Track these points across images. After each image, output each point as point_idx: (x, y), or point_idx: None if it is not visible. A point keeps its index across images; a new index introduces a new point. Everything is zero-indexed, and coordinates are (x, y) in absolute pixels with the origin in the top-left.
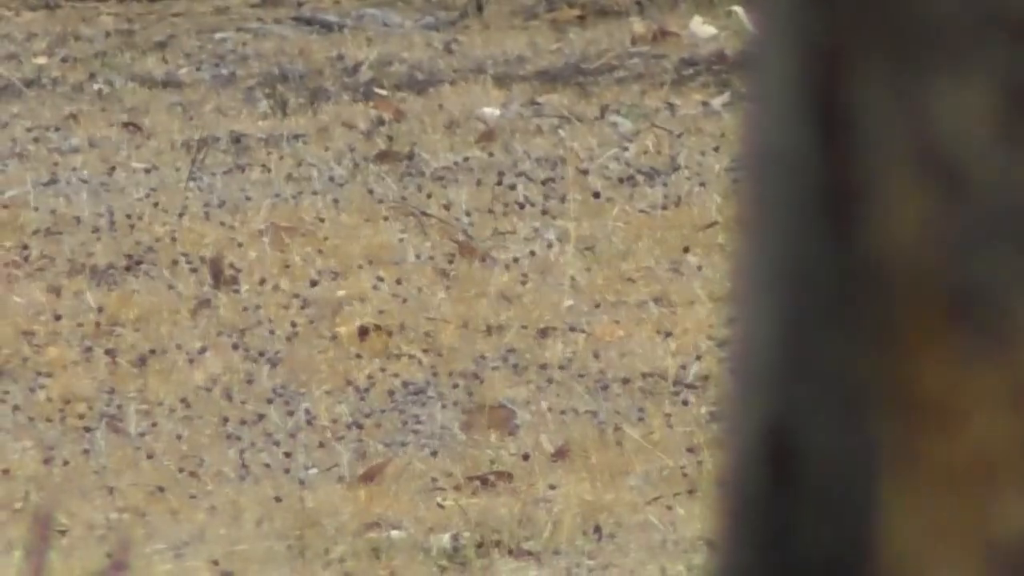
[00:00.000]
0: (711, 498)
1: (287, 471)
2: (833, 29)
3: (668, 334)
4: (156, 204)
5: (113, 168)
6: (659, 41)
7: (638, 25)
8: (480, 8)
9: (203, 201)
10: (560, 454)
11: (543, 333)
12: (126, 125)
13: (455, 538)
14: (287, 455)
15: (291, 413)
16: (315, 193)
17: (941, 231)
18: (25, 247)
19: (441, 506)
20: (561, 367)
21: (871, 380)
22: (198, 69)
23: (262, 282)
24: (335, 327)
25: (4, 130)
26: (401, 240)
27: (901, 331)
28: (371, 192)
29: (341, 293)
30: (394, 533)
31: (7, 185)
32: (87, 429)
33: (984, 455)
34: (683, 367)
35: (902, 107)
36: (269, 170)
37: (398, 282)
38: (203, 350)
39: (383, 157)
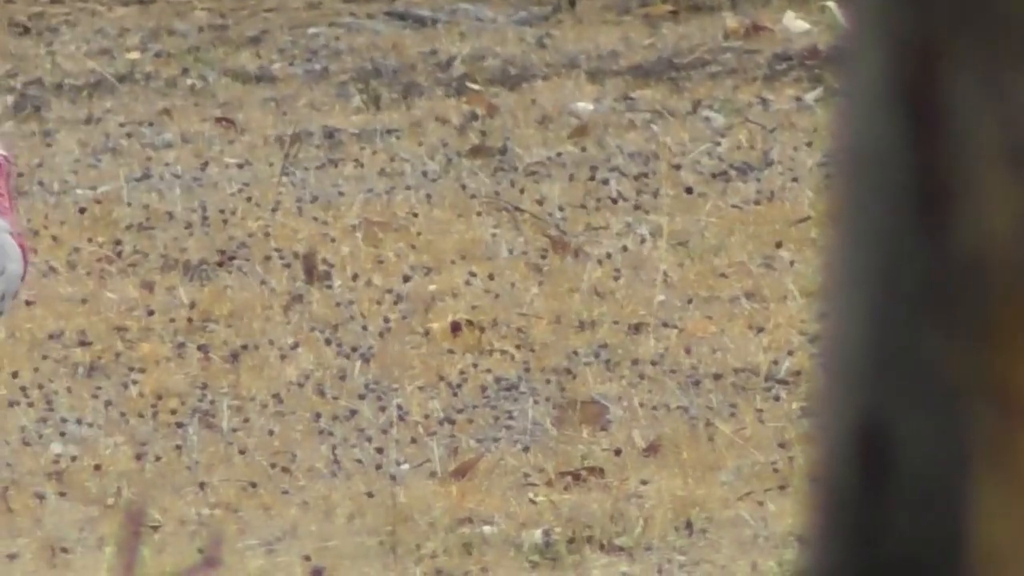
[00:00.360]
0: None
1: (379, 467)
2: (926, 26)
3: (760, 329)
4: (249, 199)
5: (206, 163)
6: (752, 36)
7: (731, 20)
8: (573, 3)
9: (296, 196)
10: (652, 449)
11: (635, 328)
12: (219, 120)
13: (547, 534)
14: (379, 451)
15: (383, 409)
16: (408, 188)
17: None
18: (118, 242)
19: (533, 502)
20: (653, 362)
21: (965, 376)
22: (291, 64)
23: (355, 277)
24: (428, 322)
25: (97, 125)
26: (494, 235)
27: (996, 326)
28: (464, 187)
29: (434, 288)
30: (486, 529)
31: (100, 180)
32: (179, 425)
33: None
34: (775, 362)
35: (995, 103)
36: (362, 165)
37: (491, 277)
38: (295, 345)
39: (476, 152)
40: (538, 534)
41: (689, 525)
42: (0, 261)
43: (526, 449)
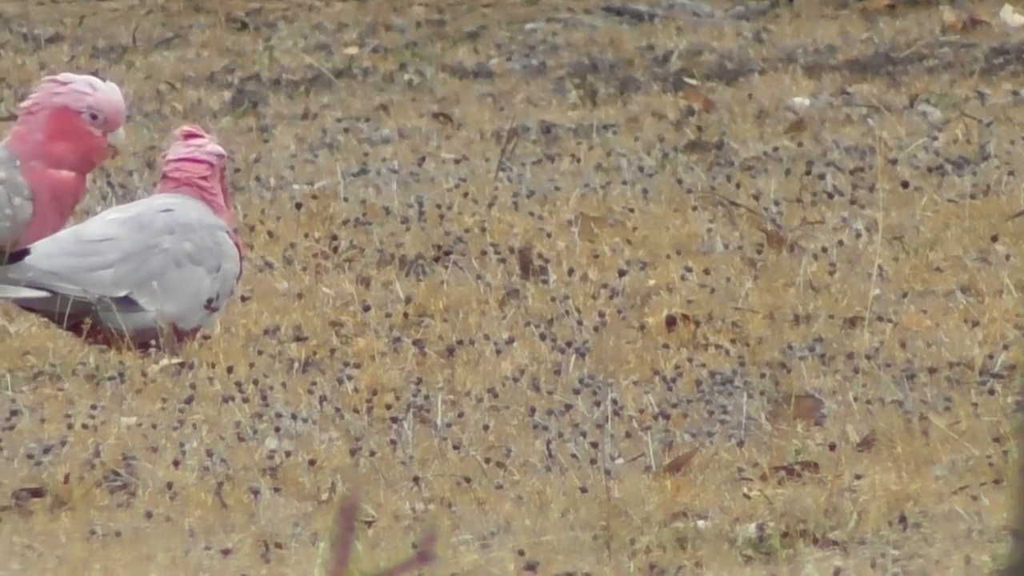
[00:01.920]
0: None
1: (593, 461)
2: None
3: (975, 323)
4: (465, 194)
5: (423, 158)
6: (969, 30)
7: (948, 14)
8: None
9: (512, 191)
10: (866, 444)
11: (850, 323)
12: (436, 115)
13: (760, 528)
14: (594, 445)
15: (598, 403)
16: (624, 183)
17: None
18: (334, 237)
19: (747, 496)
20: (868, 357)
21: None
22: (508, 59)
23: (570, 272)
24: (643, 317)
25: (315, 120)
26: (709, 230)
27: None
28: (680, 182)
29: (649, 283)
30: (700, 523)
31: (317, 175)
32: (394, 420)
33: None
34: (990, 356)
35: None
36: (578, 160)
37: (706, 272)
38: (511, 340)
39: (692, 147)
40: (752, 528)
41: (903, 519)
42: (216, 259)
43: (740, 443)
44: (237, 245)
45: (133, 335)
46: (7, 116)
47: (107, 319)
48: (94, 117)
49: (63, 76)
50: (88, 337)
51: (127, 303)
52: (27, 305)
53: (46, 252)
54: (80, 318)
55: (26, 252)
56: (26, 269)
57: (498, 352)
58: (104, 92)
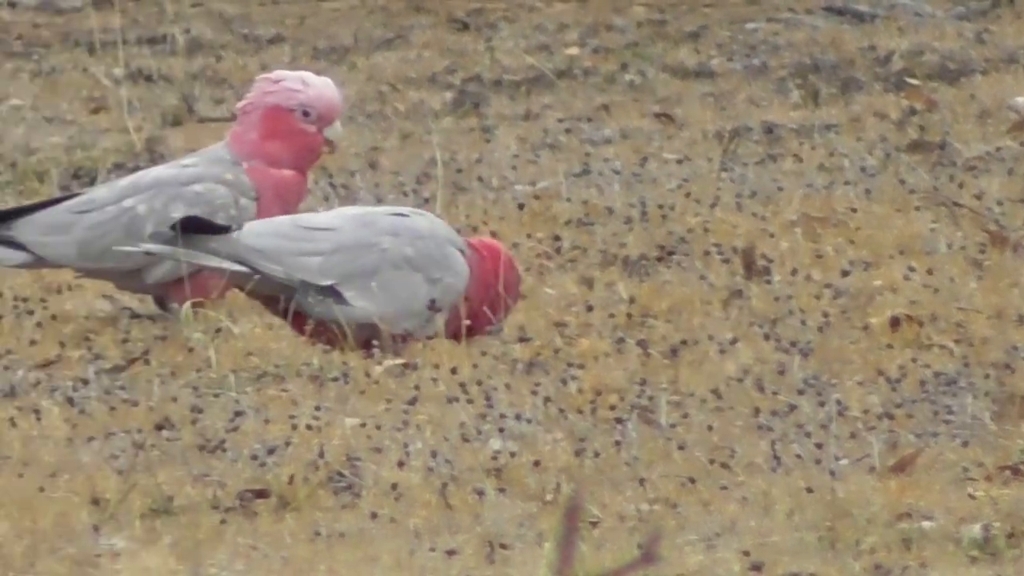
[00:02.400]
0: None
1: (818, 462)
2: None
3: None
4: (688, 195)
5: (645, 159)
6: None
7: None
8: None
9: (735, 191)
10: None
11: None
12: (658, 116)
13: (986, 528)
14: (818, 446)
15: (822, 404)
16: (847, 183)
17: None
18: (557, 238)
19: (972, 496)
20: None
21: None
22: (730, 59)
23: (794, 272)
24: (867, 317)
25: (536, 121)
26: (932, 230)
27: None
28: (903, 182)
29: (873, 283)
30: (925, 524)
31: (539, 176)
32: (618, 420)
33: None
34: None
35: None
36: (801, 160)
37: (929, 272)
38: (734, 341)
39: (915, 147)
40: (977, 529)
41: None
42: (439, 271)
43: (965, 444)
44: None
45: (343, 329)
46: (228, 117)
47: (308, 307)
48: (306, 114)
49: (276, 74)
50: (311, 336)
51: (333, 294)
52: (234, 281)
53: (257, 231)
54: (283, 303)
55: (227, 228)
56: (232, 243)
57: (722, 352)
58: (317, 88)
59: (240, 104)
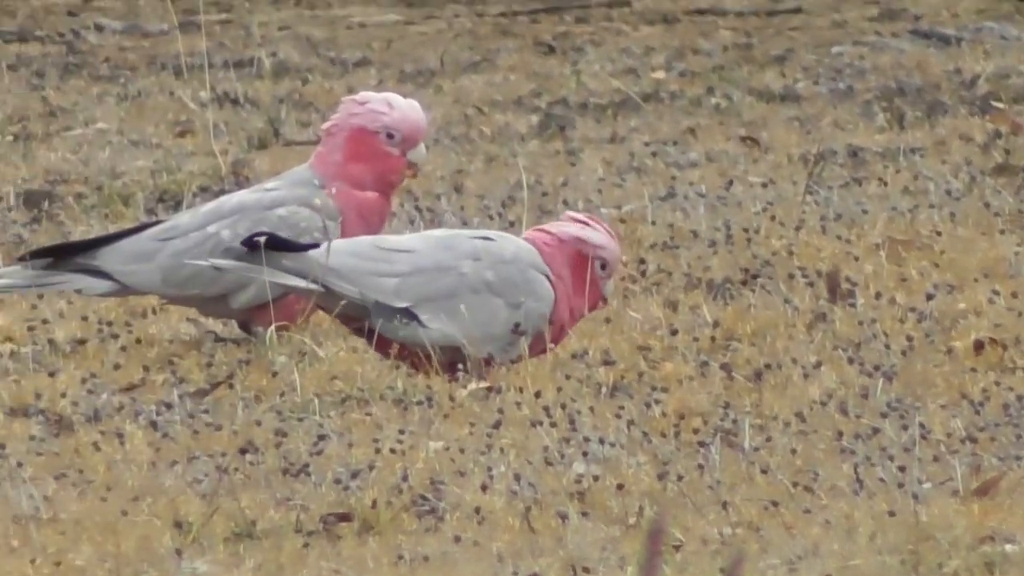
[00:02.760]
0: None
1: (901, 485)
2: None
3: None
4: (773, 218)
5: (730, 182)
6: None
7: None
8: None
9: (820, 215)
10: None
11: None
12: (744, 139)
13: None
14: (901, 469)
15: (906, 427)
16: (931, 206)
17: None
18: (642, 261)
19: None
20: None
21: None
22: (815, 83)
23: (878, 296)
24: (950, 340)
25: (622, 144)
26: (1017, 253)
27: None
28: (987, 205)
29: (958, 307)
30: (1008, 547)
31: (625, 199)
32: (702, 444)
33: None
34: None
35: None
36: (886, 184)
37: (1013, 295)
38: (818, 364)
39: (1000, 170)
40: None
41: None
42: (520, 295)
43: None
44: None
45: (426, 350)
46: (314, 140)
47: (387, 329)
48: (391, 136)
49: (361, 95)
50: (396, 358)
51: (409, 316)
52: (320, 303)
53: (334, 249)
54: (359, 322)
55: (313, 246)
56: (306, 261)
57: (806, 376)
58: (402, 110)
59: (325, 125)
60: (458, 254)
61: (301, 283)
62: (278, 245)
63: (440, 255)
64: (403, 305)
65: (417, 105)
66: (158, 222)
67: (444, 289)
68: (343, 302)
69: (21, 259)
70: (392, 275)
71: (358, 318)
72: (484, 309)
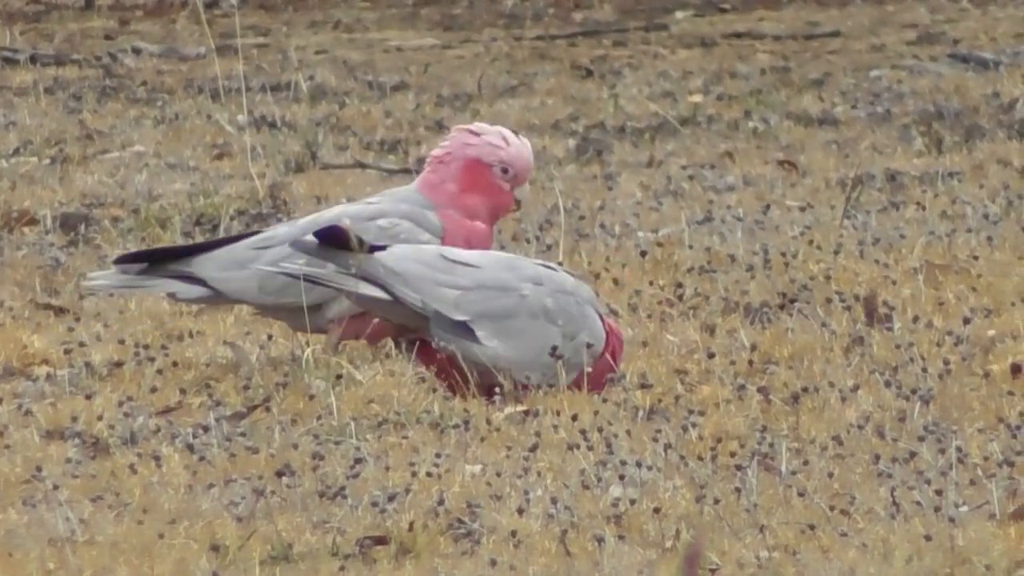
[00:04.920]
0: None
1: (937, 509)
2: None
3: None
4: (811, 242)
5: (768, 206)
6: None
7: None
8: None
9: (857, 239)
10: None
11: None
12: (781, 163)
13: None
14: (938, 493)
15: (943, 451)
16: (969, 231)
17: None
18: (679, 285)
19: None
20: None
21: None
22: (853, 107)
23: (915, 320)
24: (987, 364)
25: (659, 168)
26: None
27: None
28: None
29: (994, 332)
30: None
31: (662, 223)
32: (739, 467)
33: None
34: None
35: None
36: (923, 208)
37: None
38: (855, 388)
39: None
40: None
41: None
42: (575, 328)
43: None
44: (615, 337)
45: (470, 367)
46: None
47: (441, 339)
48: (504, 171)
49: (476, 126)
50: (436, 375)
51: (465, 330)
52: (370, 311)
53: (400, 254)
54: (417, 334)
55: (380, 248)
56: (374, 263)
57: (843, 399)
58: (516, 147)
59: (435, 152)
60: (520, 276)
61: (364, 287)
62: (343, 243)
63: (503, 275)
64: (462, 318)
65: (528, 144)
66: (254, 232)
67: (503, 309)
68: (388, 301)
69: (117, 262)
70: (454, 287)
71: (414, 330)
72: (540, 335)
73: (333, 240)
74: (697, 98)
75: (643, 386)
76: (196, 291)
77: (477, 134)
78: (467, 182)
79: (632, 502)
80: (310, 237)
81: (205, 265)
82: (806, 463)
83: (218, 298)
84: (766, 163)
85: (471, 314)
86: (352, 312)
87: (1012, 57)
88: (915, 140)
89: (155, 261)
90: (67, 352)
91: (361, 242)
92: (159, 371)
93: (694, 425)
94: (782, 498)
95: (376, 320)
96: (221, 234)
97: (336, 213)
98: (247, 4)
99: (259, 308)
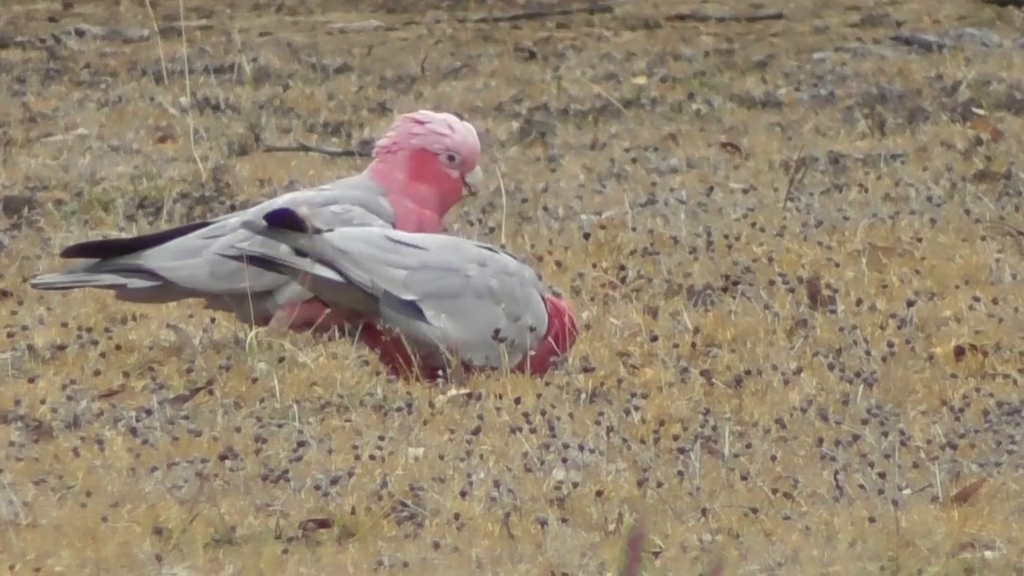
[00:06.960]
0: None
1: (881, 492)
2: None
3: None
4: (754, 224)
5: (711, 188)
6: None
7: None
8: None
9: (801, 221)
10: None
11: None
12: (725, 145)
13: None
14: (881, 476)
15: (886, 434)
16: (912, 213)
17: None
18: (622, 268)
19: None
20: None
21: None
22: (797, 89)
23: (859, 302)
24: (931, 347)
25: (602, 150)
26: (998, 260)
27: None
28: (968, 212)
29: (938, 313)
30: (987, 554)
31: (605, 205)
32: (681, 451)
33: None
34: None
35: None
36: (867, 190)
37: (994, 302)
38: (799, 370)
39: (981, 177)
40: None
41: None
42: (519, 310)
43: None
44: (560, 320)
45: (415, 348)
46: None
47: (389, 319)
48: (451, 159)
49: (420, 114)
50: (381, 358)
51: (413, 310)
52: (320, 294)
53: (348, 235)
54: (366, 317)
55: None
56: (322, 243)
57: (786, 382)
58: (462, 134)
59: (382, 141)
60: (465, 257)
61: (315, 268)
62: (294, 225)
63: (448, 256)
64: (410, 298)
65: (473, 128)
66: (204, 224)
67: (449, 288)
68: (340, 282)
69: (65, 254)
70: (401, 267)
71: (360, 313)
72: (486, 316)
73: (283, 223)
74: (641, 80)
75: (586, 369)
76: (145, 284)
77: (422, 122)
78: (415, 171)
79: (575, 485)
80: (261, 220)
81: (155, 256)
82: (749, 446)
83: (168, 289)
84: (709, 145)
85: (419, 294)
86: (303, 298)
87: (955, 40)
88: (858, 122)
89: (104, 254)
90: (10, 335)
91: (313, 227)
92: (102, 354)
93: (637, 408)
94: (725, 481)
95: (328, 311)
96: (164, 217)
97: (286, 200)
98: None
99: (209, 298)
